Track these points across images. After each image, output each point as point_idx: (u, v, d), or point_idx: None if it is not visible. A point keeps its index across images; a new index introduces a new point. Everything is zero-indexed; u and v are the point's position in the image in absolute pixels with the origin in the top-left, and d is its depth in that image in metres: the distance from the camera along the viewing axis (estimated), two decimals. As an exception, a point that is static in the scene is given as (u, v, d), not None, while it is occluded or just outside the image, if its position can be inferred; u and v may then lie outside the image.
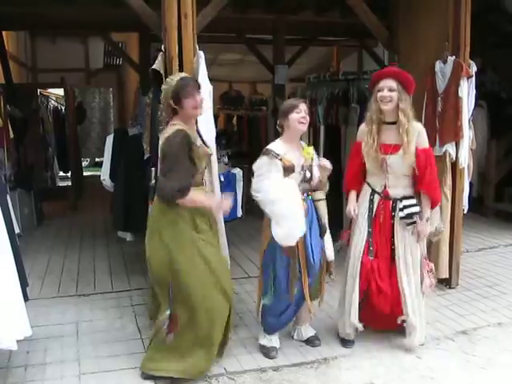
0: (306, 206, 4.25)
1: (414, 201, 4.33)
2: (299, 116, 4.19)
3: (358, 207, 4.51)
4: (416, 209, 4.30)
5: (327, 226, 4.40)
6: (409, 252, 4.36)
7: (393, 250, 4.38)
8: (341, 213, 6.89)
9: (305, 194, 4.28)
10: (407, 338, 4.48)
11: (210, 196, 4.18)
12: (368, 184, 4.48)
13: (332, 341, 4.65)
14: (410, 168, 4.32)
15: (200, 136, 4.14)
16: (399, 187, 4.37)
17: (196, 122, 4.15)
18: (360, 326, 4.45)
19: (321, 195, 4.39)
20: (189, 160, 3.79)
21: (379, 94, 4.26)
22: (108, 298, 5.68)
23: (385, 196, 4.38)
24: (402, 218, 4.31)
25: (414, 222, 4.32)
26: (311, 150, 4.35)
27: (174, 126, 3.85)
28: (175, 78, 3.98)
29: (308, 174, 4.26)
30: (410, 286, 4.35)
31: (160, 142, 3.93)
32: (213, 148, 4.54)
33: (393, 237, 4.37)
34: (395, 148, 4.28)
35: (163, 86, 4.00)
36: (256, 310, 4.60)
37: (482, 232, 8.14)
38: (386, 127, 4.34)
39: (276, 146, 4.25)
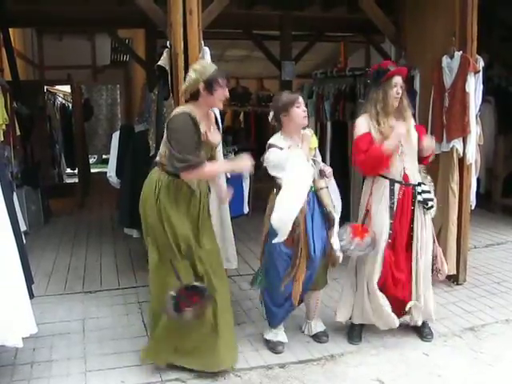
0: (308, 198, 4.22)
1: (427, 187, 4.42)
2: (301, 110, 4.20)
3: (373, 202, 4.45)
4: (431, 195, 4.41)
5: (334, 214, 4.32)
6: (424, 235, 4.40)
7: (411, 236, 4.40)
8: (348, 206, 6.89)
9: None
10: (408, 316, 4.57)
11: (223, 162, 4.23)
12: (384, 177, 4.41)
13: (338, 337, 4.64)
14: (417, 150, 4.43)
15: (217, 121, 4.20)
16: (414, 171, 4.42)
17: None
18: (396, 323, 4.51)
19: (323, 183, 4.33)
20: (197, 133, 3.82)
21: (396, 90, 4.29)
22: (114, 295, 5.68)
23: (405, 182, 4.37)
24: (419, 201, 4.37)
25: (432, 207, 4.40)
26: (314, 139, 4.38)
27: (180, 109, 3.90)
28: (211, 66, 3.99)
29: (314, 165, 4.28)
30: (419, 267, 4.39)
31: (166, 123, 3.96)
32: (219, 146, 4.55)
33: (412, 223, 4.39)
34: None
35: (192, 71, 3.91)
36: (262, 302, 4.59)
37: (489, 228, 8.10)
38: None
39: (278, 140, 4.26)
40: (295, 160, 4.11)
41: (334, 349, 4.46)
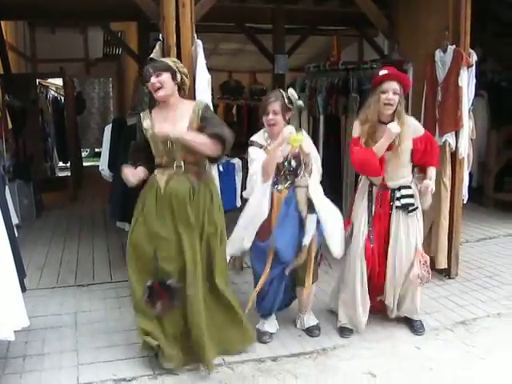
0: (288, 194, 4.24)
1: (410, 191, 4.42)
2: (266, 118, 4.26)
3: (357, 200, 4.57)
4: (411, 200, 4.39)
5: (304, 212, 4.26)
6: (403, 240, 4.40)
7: (389, 238, 4.44)
8: (340, 201, 6.89)
9: (288, 182, 4.27)
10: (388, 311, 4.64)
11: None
12: (366, 177, 4.52)
13: (330, 330, 4.66)
14: (407, 159, 4.40)
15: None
16: (397, 178, 4.41)
17: None
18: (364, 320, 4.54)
19: (301, 182, 4.28)
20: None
21: (384, 96, 4.23)
22: (106, 289, 5.67)
23: (383, 186, 4.42)
24: (398, 207, 4.38)
25: (414, 210, 4.40)
26: (299, 136, 4.21)
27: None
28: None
29: (294, 164, 4.26)
30: (395, 272, 4.43)
31: None
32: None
33: (389, 226, 4.43)
34: (390, 145, 4.27)
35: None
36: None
37: (481, 222, 8.12)
38: (381, 126, 4.32)
39: (259, 136, 4.34)
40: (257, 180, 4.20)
41: (326, 342, 4.47)
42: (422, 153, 4.40)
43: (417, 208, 4.43)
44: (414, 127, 4.41)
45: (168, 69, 3.95)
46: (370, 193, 4.46)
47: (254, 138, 4.36)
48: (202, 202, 4.05)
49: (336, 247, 4.33)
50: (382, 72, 4.32)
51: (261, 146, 4.25)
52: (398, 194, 4.39)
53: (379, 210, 4.42)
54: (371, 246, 4.40)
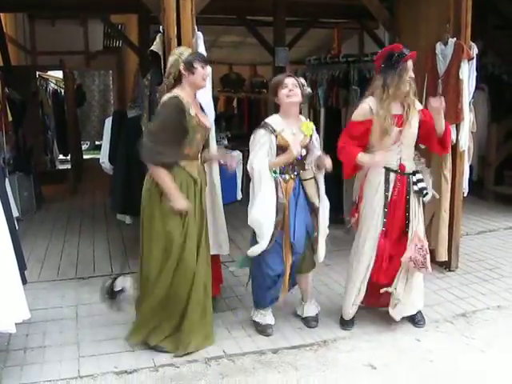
0: (294, 185, 4.27)
1: (421, 175, 4.41)
2: (286, 91, 4.19)
3: (367, 189, 4.44)
4: (424, 184, 4.38)
5: (317, 204, 4.36)
6: (417, 226, 4.39)
7: (406, 225, 4.38)
8: (341, 196, 6.90)
9: (295, 172, 4.29)
10: (390, 310, 4.52)
11: (182, 196, 4.01)
12: None
13: (331, 323, 4.66)
14: (415, 138, 4.40)
15: (202, 108, 4.21)
16: (410, 160, 4.40)
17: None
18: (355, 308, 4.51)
19: (308, 174, 4.35)
20: (180, 127, 3.88)
21: (409, 76, 4.25)
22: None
23: (401, 171, 4.35)
24: (415, 191, 4.36)
25: (427, 194, 4.40)
26: (311, 125, 4.34)
27: (171, 93, 3.95)
28: (186, 49, 4.14)
29: (303, 152, 4.27)
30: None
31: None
32: (212, 131, 4.54)
33: (407, 212, 4.37)
34: (401, 118, 4.28)
35: (171, 55, 4.09)
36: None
37: (481, 215, 8.12)
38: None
39: (274, 120, 4.26)
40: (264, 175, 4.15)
41: (327, 334, 4.48)
42: (429, 122, 4.37)
43: (427, 193, 4.42)
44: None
45: None
46: (387, 180, 4.35)
47: (268, 120, 4.26)
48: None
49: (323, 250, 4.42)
50: (406, 50, 4.30)
51: (273, 131, 4.17)
52: (414, 179, 4.35)
53: (395, 197, 4.35)
54: (384, 243, 4.36)
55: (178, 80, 4.02)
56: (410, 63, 4.27)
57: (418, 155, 4.54)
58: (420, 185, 4.35)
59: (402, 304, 4.47)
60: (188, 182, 4.03)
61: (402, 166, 4.35)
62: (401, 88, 4.24)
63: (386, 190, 4.36)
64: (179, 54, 4.01)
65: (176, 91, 3.96)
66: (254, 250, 4.21)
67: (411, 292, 4.47)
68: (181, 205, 3.92)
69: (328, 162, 4.27)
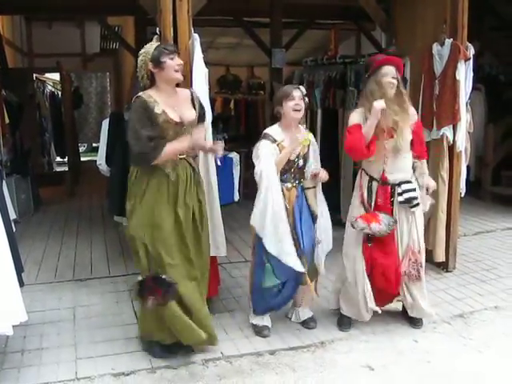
0: (297, 193, 4.30)
1: (412, 185, 4.35)
2: (292, 103, 4.20)
3: (354, 195, 4.51)
4: (415, 194, 4.33)
5: (317, 213, 4.40)
6: (407, 235, 4.38)
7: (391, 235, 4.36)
8: (338, 196, 6.90)
9: (296, 181, 4.31)
10: (410, 311, 4.56)
11: (180, 140, 3.95)
12: (364, 171, 4.45)
13: (329, 324, 4.66)
14: (408, 147, 4.34)
15: (194, 101, 4.12)
16: (397, 171, 4.34)
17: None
18: (378, 310, 4.47)
19: (309, 183, 4.39)
20: (150, 123, 3.79)
21: (387, 80, 4.23)
22: (105, 283, 5.68)
23: (383, 182, 4.35)
24: (401, 202, 4.32)
25: (417, 205, 4.36)
26: (310, 137, 4.41)
27: (135, 96, 3.88)
28: (153, 44, 3.97)
29: (301, 163, 4.30)
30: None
31: None
32: (209, 132, 4.54)
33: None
34: (391, 130, 4.25)
35: (139, 56, 3.94)
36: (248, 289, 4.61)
37: (479, 216, 8.13)
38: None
39: (274, 131, 4.28)
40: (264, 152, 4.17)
41: (324, 335, 4.47)
42: (416, 139, 4.39)
43: (418, 204, 4.38)
44: (412, 114, 4.44)
45: None
46: (370, 188, 4.39)
47: (268, 130, 4.29)
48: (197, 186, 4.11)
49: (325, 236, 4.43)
50: (379, 57, 4.39)
51: (274, 141, 4.20)
52: (398, 190, 4.32)
53: (380, 207, 4.34)
54: (369, 246, 4.35)
55: (152, 80, 3.91)
56: (385, 68, 4.25)
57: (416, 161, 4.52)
58: (407, 195, 4.30)
59: (418, 305, 4.50)
60: (161, 179, 3.91)
61: (383, 177, 4.34)
62: (382, 93, 4.24)
63: (369, 196, 4.38)
64: (145, 54, 3.87)
65: (147, 91, 3.88)
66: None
67: (417, 300, 4.49)
68: (186, 143, 3.93)
69: (324, 176, 4.33)
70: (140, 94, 3.86)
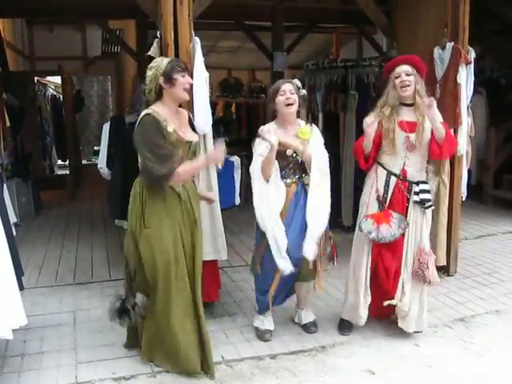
0: (296, 189, 4.26)
1: (428, 186, 4.35)
2: (283, 98, 4.18)
3: (369, 192, 4.43)
4: (429, 196, 4.32)
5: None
6: (418, 236, 4.35)
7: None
8: (339, 200, 6.89)
9: (296, 177, 4.28)
10: (400, 321, 4.48)
11: (196, 159, 3.96)
12: (382, 166, 4.39)
13: (329, 328, 4.65)
14: (426, 147, 4.30)
15: (191, 123, 4.09)
16: (416, 169, 4.34)
17: (192, 111, 4.13)
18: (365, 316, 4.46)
19: (309, 179, 4.30)
20: (164, 144, 3.72)
21: (398, 80, 4.23)
22: (105, 287, 5.66)
23: (403, 177, 4.32)
24: (416, 202, 4.30)
25: (430, 206, 4.34)
26: (307, 129, 4.30)
27: (147, 110, 3.79)
28: (164, 59, 3.90)
29: (300, 158, 4.27)
30: (407, 269, 4.36)
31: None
32: (209, 136, 4.53)
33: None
34: (415, 125, 4.25)
35: (149, 70, 3.84)
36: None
37: (480, 219, 8.13)
38: (405, 108, 4.31)
39: (269, 128, 4.23)
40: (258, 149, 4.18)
41: (325, 340, 4.47)
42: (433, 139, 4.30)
43: (431, 206, 4.35)
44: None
45: None
46: (387, 183, 4.34)
47: (263, 128, 4.23)
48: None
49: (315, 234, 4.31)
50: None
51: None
52: (416, 189, 4.30)
53: (394, 204, 4.31)
54: (378, 246, 4.33)
55: (159, 94, 3.83)
56: (398, 68, 4.25)
57: (432, 170, 4.53)
58: (422, 196, 4.28)
59: (411, 317, 4.43)
60: (172, 197, 3.85)
61: (404, 172, 4.32)
62: (396, 96, 4.26)
63: (385, 191, 4.34)
64: (157, 68, 3.78)
65: (153, 107, 3.79)
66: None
67: (419, 304, 4.46)
68: (201, 162, 3.96)
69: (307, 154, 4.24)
70: (148, 111, 3.75)
